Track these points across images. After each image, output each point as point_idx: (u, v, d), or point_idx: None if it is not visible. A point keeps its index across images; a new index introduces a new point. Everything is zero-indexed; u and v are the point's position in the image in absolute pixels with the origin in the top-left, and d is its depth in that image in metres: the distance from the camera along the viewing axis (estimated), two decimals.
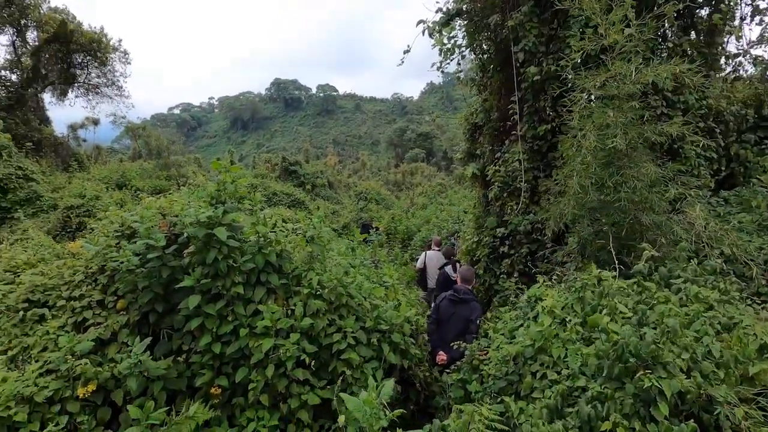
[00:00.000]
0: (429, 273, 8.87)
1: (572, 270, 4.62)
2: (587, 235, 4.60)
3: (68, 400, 3.13)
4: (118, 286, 3.68)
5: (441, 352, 4.45)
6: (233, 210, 3.79)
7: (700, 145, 5.22)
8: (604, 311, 3.12)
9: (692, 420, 2.25)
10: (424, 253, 9.25)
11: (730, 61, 6.71)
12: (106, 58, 23.46)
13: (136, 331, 3.58)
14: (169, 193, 4.88)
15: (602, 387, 2.53)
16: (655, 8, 4.44)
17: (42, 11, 21.67)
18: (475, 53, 7.42)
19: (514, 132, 6.72)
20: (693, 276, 3.44)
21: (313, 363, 3.51)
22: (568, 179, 4.49)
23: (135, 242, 3.66)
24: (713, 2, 6.08)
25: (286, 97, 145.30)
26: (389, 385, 2.05)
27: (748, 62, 6.81)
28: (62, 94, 24.18)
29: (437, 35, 6.88)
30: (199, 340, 3.46)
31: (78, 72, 23.81)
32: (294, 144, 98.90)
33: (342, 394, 2.02)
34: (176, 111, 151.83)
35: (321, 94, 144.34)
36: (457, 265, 7.98)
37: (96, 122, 32.49)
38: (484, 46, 7.27)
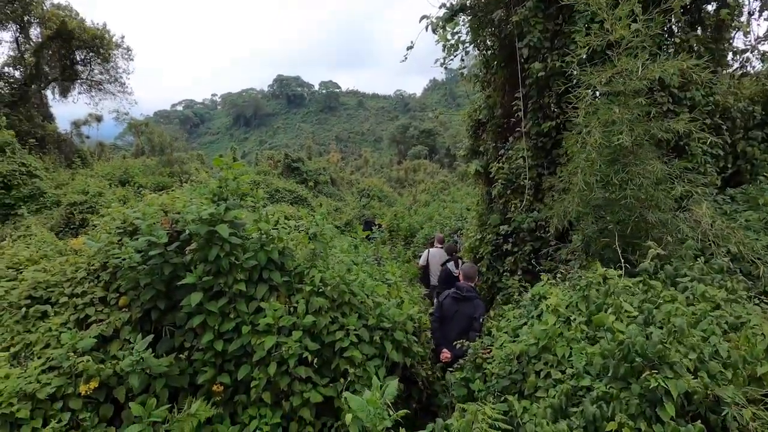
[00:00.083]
0: (432, 270, 8.85)
1: (576, 268, 4.58)
2: (591, 233, 4.56)
3: (70, 397, 3.13)
4: (120, 283, 3.67)
5: (445, 350, 4.44)
6: (235, 207, 3.77)
7: (707, 142, 5.16)
8: (610, 310, 3.09)
9: (699, 421, 2.22)
10: (426, 250, 9.23)
11: (738, 56, 6.64)
12: (109, 54, 23.48)
13: (139, 328, 3.58)
14: (172, 190, 4.86)
15: (607, 387, 2.50)
16: (662, 3, 4.38)
17: (45, 8, 21.68)
18: (479, 49, 7.36)
19: (518, 129, 6.67)
20: (700, 275, 3.41)
21: (315, 361, 3.49)
22: (573, 176, 4.45)
23: (137, 239, 3.64)
24: None
25: (289, 93, 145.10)
26: (393, 385, 2.02)
27: (756, 58, 6.74)
28: (65, 91, 24.23)
29: (441, 31, 6.83)
30: (201, 337, 3.44)
31: (81, 68, 23.85)
32: (296, 141, 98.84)
33: (346, 393, 2.00)
34: (179, 108, 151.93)
35: (323, 91, 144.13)
36: (459, 261, 7.96)
37: (99, 119, 32.59)
38: (488, 42, 7.21)
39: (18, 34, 21.49)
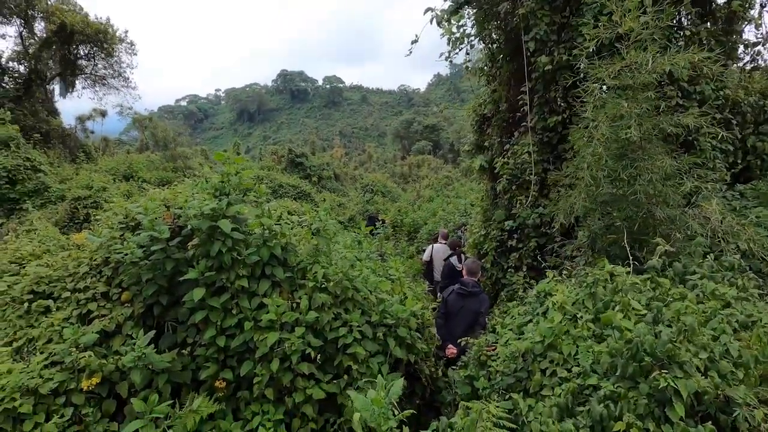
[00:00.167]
0: (435, 265, 8.83)
1: (582, 264, 4.53)
2: (598, 229, 4.50)
3: (73, 392, 3.12)
4: (122, 278, 3.65)
5: (450, 346, 4.42)
6: (237, 202, 3.74)
7: (717, 137, 5.07)
8: (617, 308, 3.04)
9: (710, 422, 2.18)
10: (431, 245, 9.20)
11: (749, 50, 6.50)
12: (113, 49, 23.44)
13: (141, 324, 3.56)
14: (174, 185, 4.83)
15: (615, 386, 2.46)
16: None
17: (49, 2, 21.65)
18: (484, 42, 7.26)
19: (523, 123, 6.59)
20: (709, 272, 3.35)
21: (318, 357, 3.47)
22: (579, 171, 4.38)
23: (139, 234, 3.62)
24: None
25: (293, 88, 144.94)
26: (398, 384, 1.99)
27: (767, 51, 6.60)
28: (69, 86, 24.25)
29: (446, 24, 6.73)
30: (203, 333, 3.42)
31: (84, 63, 23.85)
32: (300, 136, 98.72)
33: (350, 392, 1.97)
34: (183, 103, 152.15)
35: (327, 86, 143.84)
36: (462, 256, 7.92)
37: (104, 114, 32.61)
38: (494, 35, 7.11)
39: (22, 29, 21.48)
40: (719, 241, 4.03)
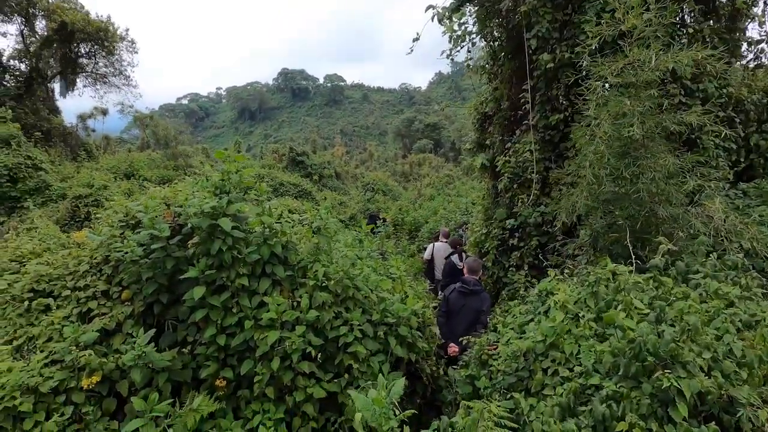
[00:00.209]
0: (436, 264, 8.83)
1: (583, 263, 4.51)
2: (600, 228, 4.48)
3: (73, 390, 3.11)
4: (122, 276, 3.64)
5: (452, 344, 4.41)
6: (238, 200, 3.72)
7: (720, 136, 5.03)
8: (620, 307, 3.02)
9: (713, 422, 2.16)
10: (432, 244, 9.19)
11: (752, 47, 6.46)
12: (113, 47, 23.42)
13: (141, 322, 3.55)
14: (175, 183, 4.82)
15: (618, 386, 2.44)
16: None
17: (50, 0, 21.63)
18: (485, 40, 7.23)
19: (525, 121, 6.56)
20: (713, 271, 3.32)
21: (319, 356, 3.45)
22: (581, 170, 4.36)
23: (139, 232, 3.61)
24: None
25: (294, 87, 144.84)
26: (399, 384, 1.97)
27: None
28: (71, 85, 24.24)
29: (447, 21, 6.70)
30: (203, 331, 3.41)
31: (85, 61, 23.83)
32: (301, 134, 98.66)
33: (351, 392, 1.95)
34: (184, 101, 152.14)
35: (328, 84, 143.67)
36: (463, 254, 7.91)
37: (105, 112, 32.61)
38: (496, 33, 7.07)
39: (23, 27, 21.48)
40: (722, 240, 4.00)
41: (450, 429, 2.61)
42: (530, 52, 6.17)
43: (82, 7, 22.97)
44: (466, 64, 7.61)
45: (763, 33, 6.36)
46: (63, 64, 22.77)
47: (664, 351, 2.34)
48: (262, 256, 3.62)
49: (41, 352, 3.25)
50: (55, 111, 22.84)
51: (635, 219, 4.10)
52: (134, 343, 3.13)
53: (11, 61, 21.74)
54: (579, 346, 2.93)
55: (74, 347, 3.17)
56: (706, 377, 2.29)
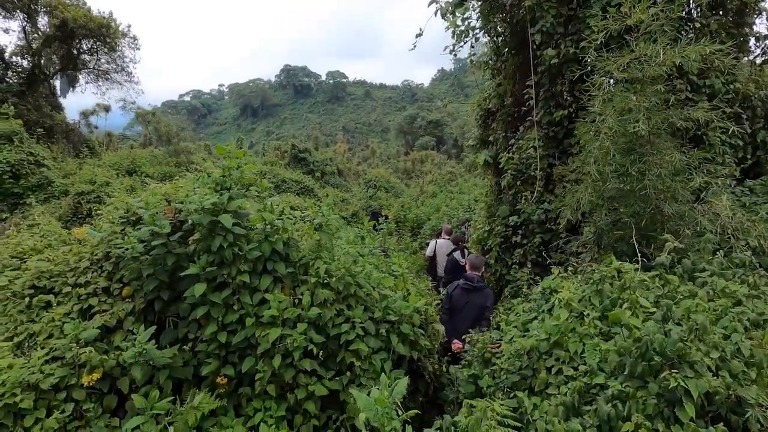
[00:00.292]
0: (438, 261, 8.79)
1: (587, 261, 4.47)
2: (604, 225, 4.43)
3: (74, 387, 3.09)
4: (123, 273, 3.62)
5: (456, 341, 4.39)
6: (239, 196, 3.69)
7: (728, 132, 4.97)
8: (625, 305, 2.98)
9: (721, 423, 2.12)
10: (434, 240, 9.15)
11: (760, 42, 6.37)
12: (115, 43, 23.37)
13: (142, 319, 3.53)
14: (176, 179, 4.79)
15: (623, 385, 2.41)
16: None
17: None
18: (489, 35, 7.16)
19: (529, 118, 6.50)
20: (720, 269, 3.28)
21: (320, 353, 3.43)
22: (585, 166, 4.31)
23: (140, 229, 3.58)
24: None
25: (296, 84, 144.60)
26: (402, 383, 1.94)
27: None
28: (73, 81, 24.24)
29: (450, 16, 6.63)
30: (204, 328, 3.39)
31: (87, 58, 23.80)
32: (303, 131, 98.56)
33: (353, 391, 1.92)
34: (186, 98, 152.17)
35: (331, 81, 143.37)
36: (465, 251, 7.87)
37: (107, 109, 32.66)
38: (499, 28, 7.00)
39: (25, 23, 21.46)
40: (729, 238, 3.95)
41: (453, 428, 2.58)
42: (534, 47, 6.10)
43: (84, 3, 22.94)
44: (469, 60, 7.55)
45: None
46: (65, 62, 22.74)
47: (671, 350, 2.30)
48: (264, 253, 3.60)
49: (42, 348, 3.24)
50: (58, 108, 22.84)
51: (640, 216, 4.05)
52: (135, 340, 3.11)
53: (14, 57, 21.74)
54: (583, 344, 2.90)
55: (75, 344, 3.15)
56: (714, 377, 2.26)
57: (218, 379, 3.32)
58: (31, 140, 15.61)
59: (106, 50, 23.61)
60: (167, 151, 24.13)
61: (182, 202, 3.84)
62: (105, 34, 22.69)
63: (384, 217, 12.93)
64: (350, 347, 3.51)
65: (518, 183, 6.64)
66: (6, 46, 22.06)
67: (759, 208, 4.80)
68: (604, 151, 4.14)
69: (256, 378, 3.31)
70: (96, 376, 3.08)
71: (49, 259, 4.00)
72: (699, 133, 5.10)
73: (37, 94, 21.15)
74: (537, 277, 5.80)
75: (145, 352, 3.06)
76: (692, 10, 5.69)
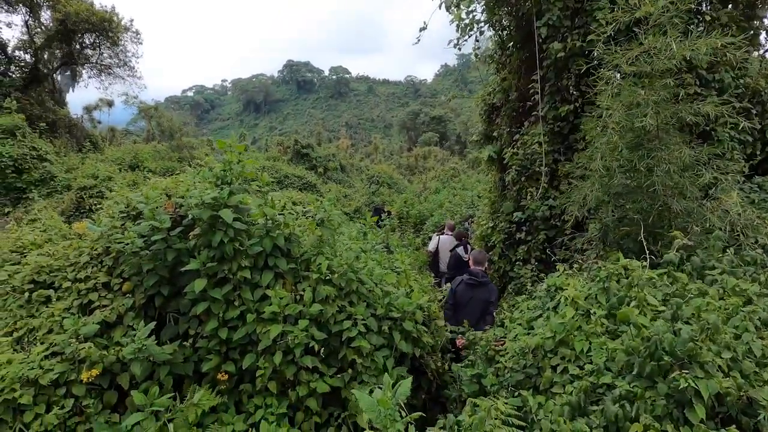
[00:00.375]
0: (441, 257, 8.74)
1: (593, 258, 4.40)
2: (610, 222, 4.37)
3: (74, 383, 3.06)
4: (123, 268, 3.59)
5: (460, 336, 4.35)
6: (240, 191, 3.64)
7: (739, 127, 4.88)
8: (633, 303, 2.92)
9: (732, 425, 2.06)
10: (437, 236, 9.09)
11: None
12: (118, 38, 23.28)
13: (142, 315, 3.49)
14: (177, 174, 4.75)
15: (631, 385, 2.36)
16: None
17: None
18: (494, 29, 7.06)
19: (534, 113, 6.42)
20: (730, 267, 3.21)
21: (322, 350, 3.39)
22: (592, 162, 4.24)
23: (140, 224, 3.54)
24: None
25: (299, 79, 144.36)
26: (406, 384, 1.89)
27: None
28: (77, 76, 24.21)
29: (455, 9, 6.54)
30: (205, 324, 3.35)
31: (90, 52, 23.74)
32: (306, 127, 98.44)
33: (355, 391, 1.88)
34: (189, 93, 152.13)
35: (333, 77, 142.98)
36: (468, 246, 7.82)
37: (110, 104, 32.70)
38: (504, 22, 6.91)
39: (28, 17, 21.40)
40: (738, 235, 3.87)
41: (456, 427, 2.54)
42: (540, 41, 6.01)
43: None
44: (473, 54, 7.45)
45: None
46: (66, 56, 22.69)
47: (681, 350, 2.25)
48: (265, 249, 3.55)
49: (41, 344, 3.21)
50: (61, 102, 22.83)
51: (648, 213, 3.98)
52: (135, 335, 3.08)
53: (16, 52, 21.70)
54: (590, 343, 2.85)
55: (74, 339, 3.12)
56: (725, 378, 2.20)
57: (219, 376, 3.29)
58: (34, 135, 15.60)
59: (108, 45, 23.52)
60: (170, 147, 24.11)
61: (183, 197, 3.80)
62: (107, 28, 22.59)
63: (387, 213, 12.87)
64: (352, 344, 3.47)
65: (523, 179, 6.57)
66: (9, 40, 21.93)
67: None
68: (611, 146, 4.06)
69: (257, 375, 3.28)
70: (96, 371, 3.05)
71: (49, 254, 3.97)
72: (707, 128, 5.01)
73: (40, 88, 21.12)
74: (541, 274, 5.75)
75: (145, 348, 3.03)
76: (702, 3, 5.58)
